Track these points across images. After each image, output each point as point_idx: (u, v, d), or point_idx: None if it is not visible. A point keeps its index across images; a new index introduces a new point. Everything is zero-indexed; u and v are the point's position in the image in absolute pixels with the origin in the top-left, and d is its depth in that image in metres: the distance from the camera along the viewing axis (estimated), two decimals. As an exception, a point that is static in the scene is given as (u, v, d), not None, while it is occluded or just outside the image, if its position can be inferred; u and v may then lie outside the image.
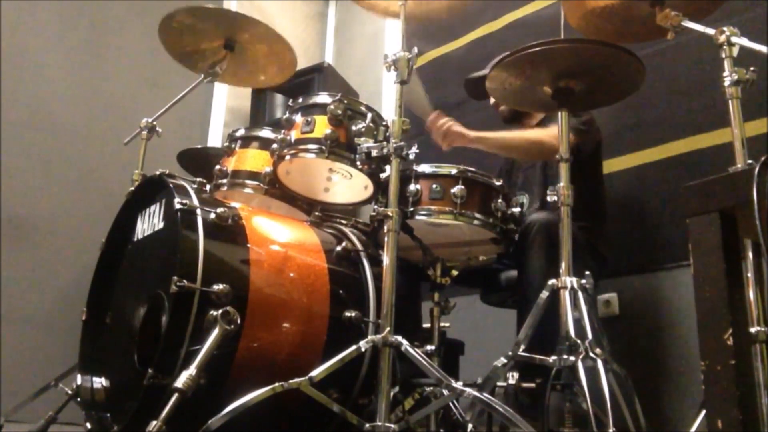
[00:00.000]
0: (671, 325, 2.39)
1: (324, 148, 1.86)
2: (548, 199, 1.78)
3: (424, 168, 1.89)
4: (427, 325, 2.03)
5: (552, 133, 2.02)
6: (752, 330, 1.06)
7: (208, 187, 1.90)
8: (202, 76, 2.42)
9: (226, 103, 3.95)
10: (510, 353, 1.67)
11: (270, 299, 1.71)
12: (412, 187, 1.84)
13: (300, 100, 2.00)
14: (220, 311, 1.50)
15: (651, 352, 2.42)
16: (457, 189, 1.82)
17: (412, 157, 1.77)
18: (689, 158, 2.46)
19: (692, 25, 1.82)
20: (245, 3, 3.98)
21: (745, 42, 1.67)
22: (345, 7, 4.45)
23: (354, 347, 1.57)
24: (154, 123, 2.48)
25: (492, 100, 2.55)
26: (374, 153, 1.80)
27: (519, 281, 2.08)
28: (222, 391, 1.55)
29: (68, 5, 3.35)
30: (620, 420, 1.56)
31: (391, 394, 1.55)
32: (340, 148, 1.87)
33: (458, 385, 1.51)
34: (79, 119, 3.29)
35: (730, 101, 1.63)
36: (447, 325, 2.07)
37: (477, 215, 1.84)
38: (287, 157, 1.94)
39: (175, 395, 1.38)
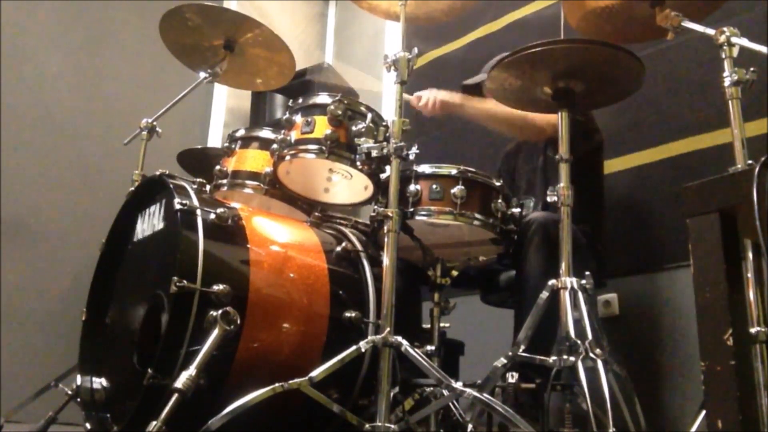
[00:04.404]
0: (671, 325, 2.39)
1: (324, 148, 1.86)
2: (548, 199, 1.78)
3: (424, 168, 1.88)
4: (427, 326, 2.03)
5: (540, 115, 2.08)
6: (752, 330, 1.06)
7: (208, 187, 1.90)
8: (202, 76, 2.42)
9: (226, 103, 3.95)
10: (510, 353, 1.67)
11: (270, 300, 1.71)
12: (412, 187, 1.84)
13: (300, 100, 2.00)
14: (219, 311, 1.50)
15: (651, 352, 2.42)
16: (457, 189, 1.82)
17: (412, 157, 1.77)
18: (689, 158, 2.46)
19: (692, 26, 1.82)
20: (245, 3, 3.98)
21: (745, 42, 1.67)
22: (345, 7, 4.44)
23: (354, 348, 1.57)
24: (154, 123, 2.47)
25: None
26: (374, 153, 1.80)
27: (516, 281, 2.07)
28: (222, 391, 1.55)
29: (68, 5, 3.34)
30: (620, 420, 1.56)
31: (391, 394, 1.55)
32: (340, 148, 1.87)
33: (458, 385, 1.52)
34: (79, 119, 3.29)
35: (730, 101, 1.63)
36: (447, 325, 2.07)
37: (477, 215, 1.84)
38: (287, 158, 1.94)
39: (175, 395, 1.38)
